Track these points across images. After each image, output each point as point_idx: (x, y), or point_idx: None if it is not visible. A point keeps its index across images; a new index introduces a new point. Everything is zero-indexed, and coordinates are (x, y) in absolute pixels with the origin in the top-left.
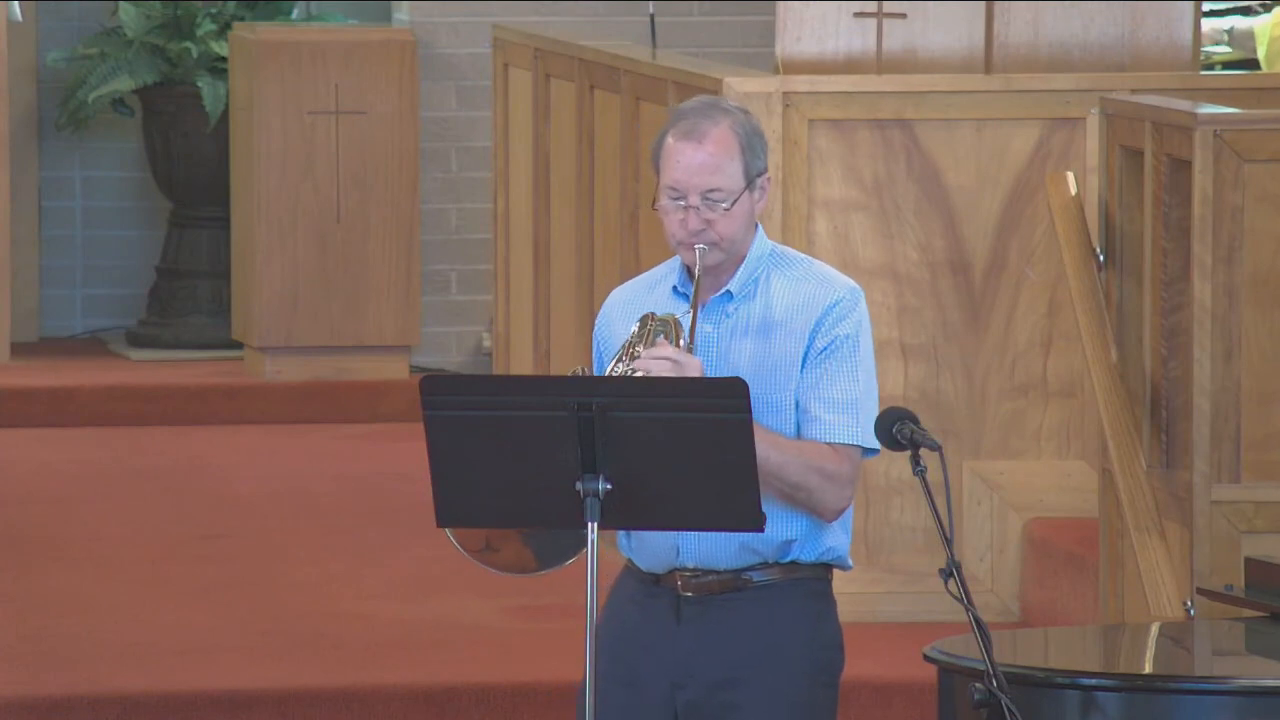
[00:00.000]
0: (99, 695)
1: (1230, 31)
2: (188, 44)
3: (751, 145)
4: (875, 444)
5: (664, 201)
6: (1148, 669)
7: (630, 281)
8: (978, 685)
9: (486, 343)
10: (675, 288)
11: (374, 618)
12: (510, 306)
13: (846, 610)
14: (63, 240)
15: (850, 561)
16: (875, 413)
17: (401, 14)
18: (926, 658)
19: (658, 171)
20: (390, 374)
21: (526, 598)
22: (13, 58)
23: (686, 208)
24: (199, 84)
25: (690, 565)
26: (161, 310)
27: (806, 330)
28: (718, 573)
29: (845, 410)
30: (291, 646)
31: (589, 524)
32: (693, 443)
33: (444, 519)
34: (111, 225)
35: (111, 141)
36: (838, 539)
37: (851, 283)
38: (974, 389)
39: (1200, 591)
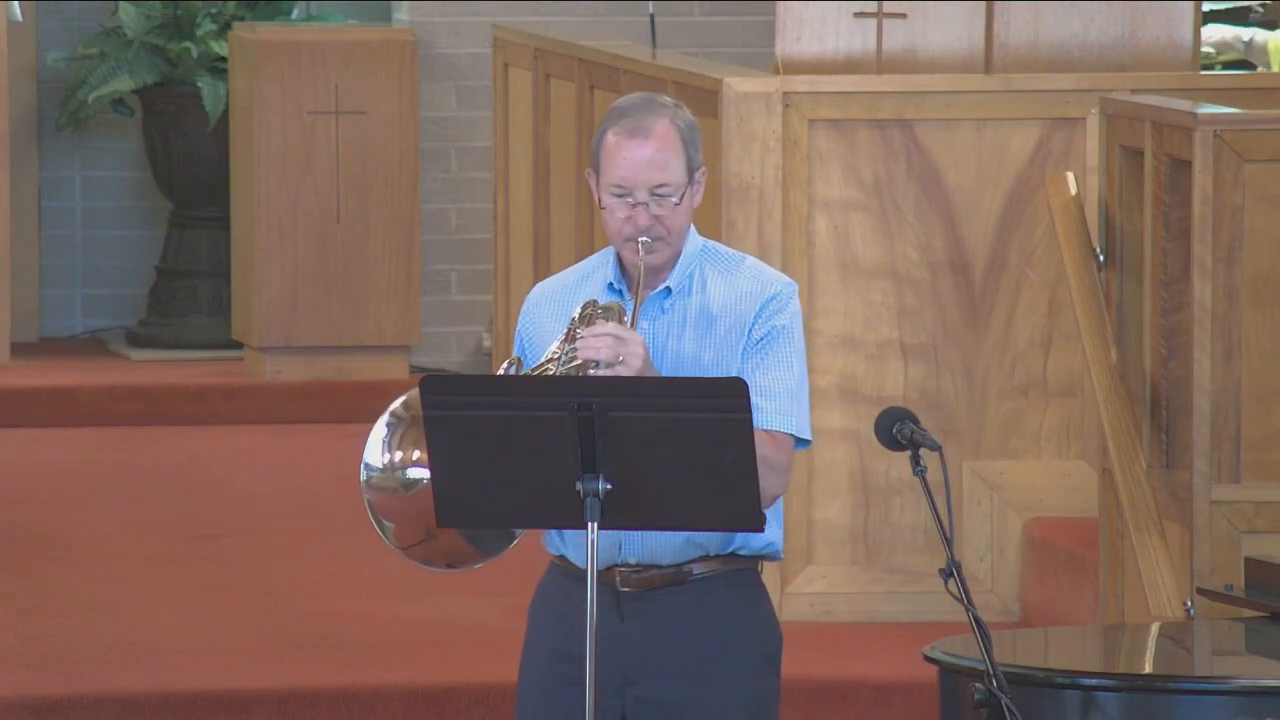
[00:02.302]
0: (99, 695)
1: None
2: (188, 44)
3: (692, 140)
4: (807, 435)
5: (609, 199)
6: (1148, 669)
7: (555, 276)
8: (978, 685)
9: (486, 343)
10: (610, 284)
11: (374, 618)
12: (510, 306)
13: (846, 610)
14: (63, 240)
15: (783, 554)
16: (808, 405)
17: (401, 14)
18: (926, 658)
19: (598, 170)
20: (390, 374)
21: (526, 598)
22: (13, 58)
23: (635, 204)
24: (199, 84)
25: (632, 560)
26: (161, 310)
27: (744, 323)
28: (660, 567)
29: (781, 399)
30: (291, 646)
31: (589, 524)
32: (693, 443)
33: (444, 519)
34: (111, 225)
35: (111, 141)
36: (774, 532)
37: (786, 278)
38: (974, 389)
39: (1200, 591)
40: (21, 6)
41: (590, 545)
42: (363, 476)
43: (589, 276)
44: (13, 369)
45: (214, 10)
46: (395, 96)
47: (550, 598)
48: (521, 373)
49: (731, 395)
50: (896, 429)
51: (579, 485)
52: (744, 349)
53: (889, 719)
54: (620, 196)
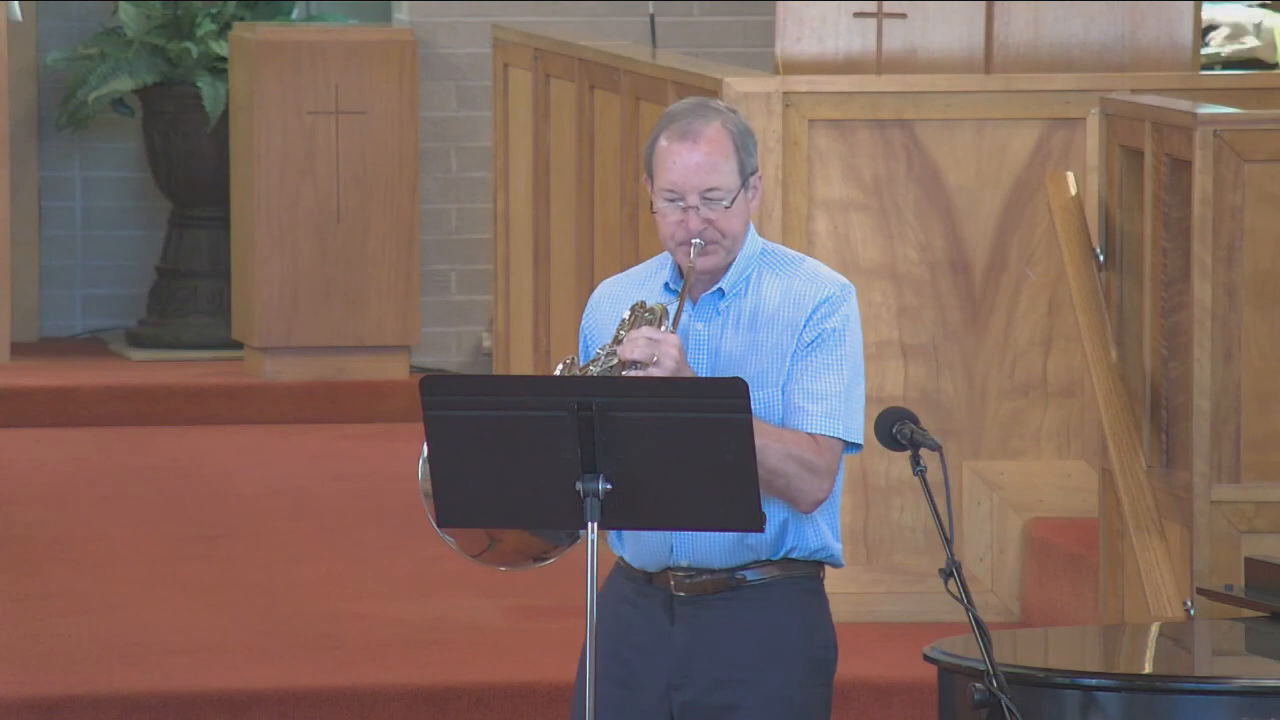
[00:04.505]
0: (99, 695)
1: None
2: (188, 44)
3: (745, 144)
4: (858, 439)
5: (661, 204)
6: (1148, 669)
7: (620, 275)
8: (978, 685)
9: (486, 343)
10: (667, 284)
11: (374, 618)
12: (510, 306)
13: (846, 610)
14: (63, 240)
15: (843, 559)
16: (860, 409)
17: (401, 14)
18: (926, 658)
19: (651, 175)
20: (390, 374)
21: (526, 598)
22: (13, 58)
23: (685, 208)
24: (199, 84)
25: (684, 563)
26: (161, 310)
27: (796, 325)
28: (712, 571)
29: (828, 402)
30: (291, 646)
31: (589, 524)
32: (693, 443)
33: (444, 519)
34: (111, 225)
35: (111, 141)
36: (828, 536)
37: (842, 279)
38: (974, 389)
39: (1200, 591)
40: (21, 6)
41: (590, 545)
42: (419, 475)
43: (650, 278)
44: (13, 369)
45: (214, 10)
46: (395, 96)
47: (607, 596)
48: (572, 371)
49: (731, 395)
50: (896, 429)
51: (579, 485)
52: (794, 352)
53: (889, 719)
54: (672, 200)
